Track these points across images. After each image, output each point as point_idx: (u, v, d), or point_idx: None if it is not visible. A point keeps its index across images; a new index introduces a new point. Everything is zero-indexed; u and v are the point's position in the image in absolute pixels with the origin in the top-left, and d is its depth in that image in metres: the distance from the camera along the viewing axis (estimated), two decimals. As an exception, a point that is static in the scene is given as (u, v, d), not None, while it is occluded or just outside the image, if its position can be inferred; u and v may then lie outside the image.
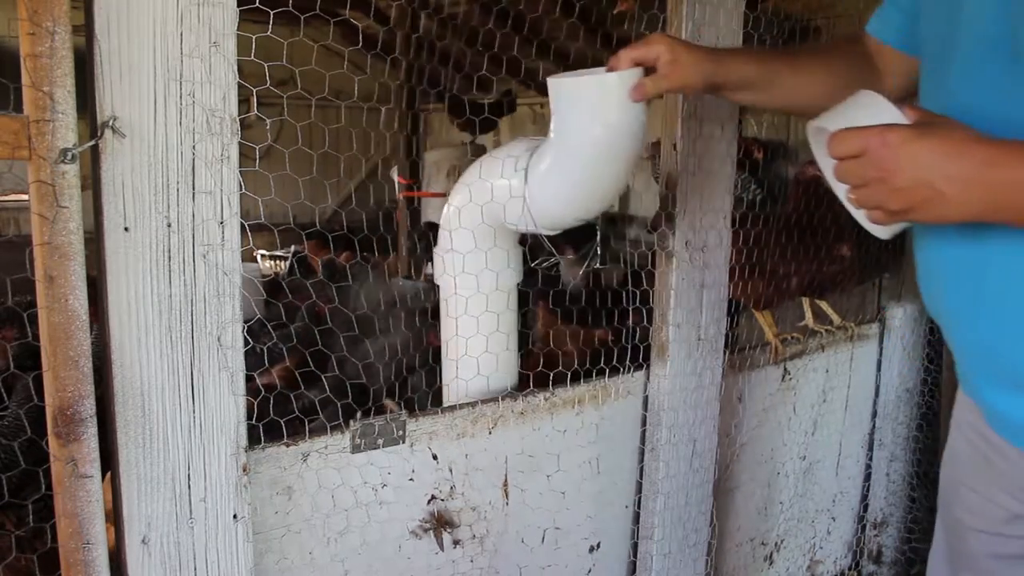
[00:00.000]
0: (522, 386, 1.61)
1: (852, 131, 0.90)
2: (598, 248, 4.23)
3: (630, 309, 1.75)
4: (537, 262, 4.27)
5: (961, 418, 1.28)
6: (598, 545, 1.71)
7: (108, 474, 1.03)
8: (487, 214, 1.55)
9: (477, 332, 1.59)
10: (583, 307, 2.74)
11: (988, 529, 1.20)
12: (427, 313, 2.93)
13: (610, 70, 1.26)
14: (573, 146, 1.37)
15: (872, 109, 0.93)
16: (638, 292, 1.73)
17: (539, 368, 1.59)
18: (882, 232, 1.01)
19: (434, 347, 2.45)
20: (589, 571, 1.71)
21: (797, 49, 1.40)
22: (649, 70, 1.26)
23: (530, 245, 1.78)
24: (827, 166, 0.99)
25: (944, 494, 1.32)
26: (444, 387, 1.69)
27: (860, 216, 0.99)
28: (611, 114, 1.29)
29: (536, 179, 1.45)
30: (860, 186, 0.91)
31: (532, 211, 1.48)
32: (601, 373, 1.64)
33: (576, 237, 4.66)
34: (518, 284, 1.68)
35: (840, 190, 0.99)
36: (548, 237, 1.58)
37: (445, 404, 1.64)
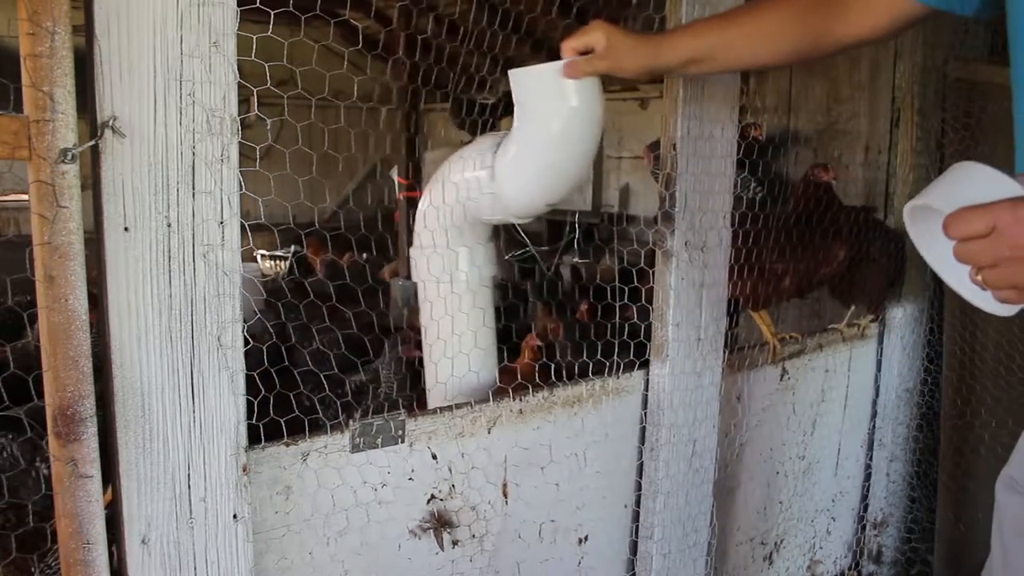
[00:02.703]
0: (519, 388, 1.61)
1: (976, 209, 0.83)
2: (579, 242, 4.27)
3: (618, 305, 1.77)
4: (511, 254, 4.30)
5: None
6: (598, 545, 1.71)
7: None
8: (460, 211, 1.60)
9: (456, 330, 1.62)
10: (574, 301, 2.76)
11: None
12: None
13: None
14: (534, 131, 1.46)
15: (986, 183, 0.86)
16: (627, 288, 1.74)
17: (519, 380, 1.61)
18: (1008, 311, 0.93)
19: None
20: (591, 571, 1.71)
21: (742, 8, 1.40)
22: None
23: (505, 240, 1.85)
24: (935, 246, 0.93)
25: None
26: (429, 385, 1.70)
27: (981, 298, 0.92)
28: (567, 98, 1.39)
29: (503, 169, 1.51)
30: (990, 266, 0.85)
31: (503, 201, 1.53)
32: (599, 372, 1.64)
33: (553, 231, 4.74)
34: (494, 277, 1.75)
35: (955, 272, 0.92)
36: (524, 232, 1.64)
37: (431, 404, 1.65)
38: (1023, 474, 1.19)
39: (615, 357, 1.66)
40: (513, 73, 1.43)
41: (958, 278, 0.93)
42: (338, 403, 2.03)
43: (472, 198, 1.57)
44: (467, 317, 1.66)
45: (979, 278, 0.87)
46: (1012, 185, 0.85)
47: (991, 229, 0.82)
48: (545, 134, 1.44)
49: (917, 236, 0.96)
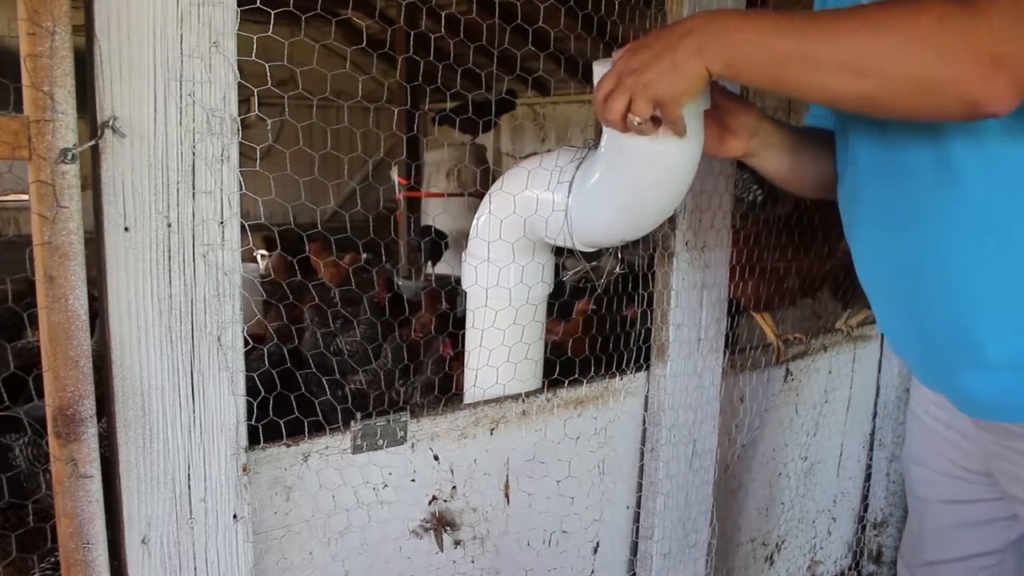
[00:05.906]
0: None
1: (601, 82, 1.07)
2: (619, 252, 4.19)
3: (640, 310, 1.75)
4: (568, 277, 4.27)
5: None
6: (600, 545, 1.71)
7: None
8: (527, 227, 1.47)
9: (504, 343, 1.54)
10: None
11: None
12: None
13: None
14: (626, 165, 1.24)
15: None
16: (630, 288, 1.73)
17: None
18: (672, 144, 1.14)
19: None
20: (592, 572, 1.71)
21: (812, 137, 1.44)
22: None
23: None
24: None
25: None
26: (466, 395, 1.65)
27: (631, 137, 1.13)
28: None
29: (581, 195, 1.34)
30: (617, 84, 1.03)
31: (572, 227, 1.37)
32: (602, 372, 1.64)
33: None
34: (548, 296, 1.62)
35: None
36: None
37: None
38: (908, 447, 1.50)
39: (634, 361, 1.65)
40: None
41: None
42: (339, 407, 2.04)
43: (542, 216, 1.41)
44: (526, 348, 1.54)
45: (635, 122, 1.05)
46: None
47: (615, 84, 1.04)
48: (640, 169, 1.22)
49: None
